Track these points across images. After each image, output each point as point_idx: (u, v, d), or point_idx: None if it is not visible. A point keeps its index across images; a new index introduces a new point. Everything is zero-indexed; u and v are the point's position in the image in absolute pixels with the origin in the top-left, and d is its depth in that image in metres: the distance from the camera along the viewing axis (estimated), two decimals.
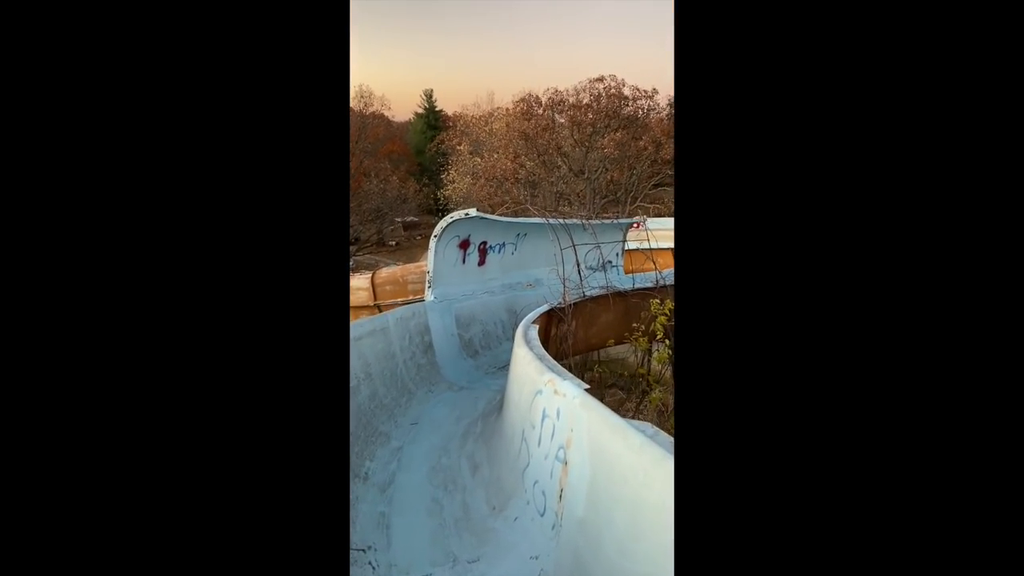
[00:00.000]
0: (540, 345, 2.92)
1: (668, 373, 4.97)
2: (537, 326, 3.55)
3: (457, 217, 4.88)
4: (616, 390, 6.89)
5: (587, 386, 2.19)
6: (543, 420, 2.27)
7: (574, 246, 4.81)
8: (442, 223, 4.91)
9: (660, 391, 4.67)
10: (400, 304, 6.02)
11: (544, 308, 4.25)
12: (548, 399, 2.25)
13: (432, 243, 4.94)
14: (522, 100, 20.94)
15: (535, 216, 6.36)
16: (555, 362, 2.56)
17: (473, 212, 4.88)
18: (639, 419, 4.91)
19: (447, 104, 47.63)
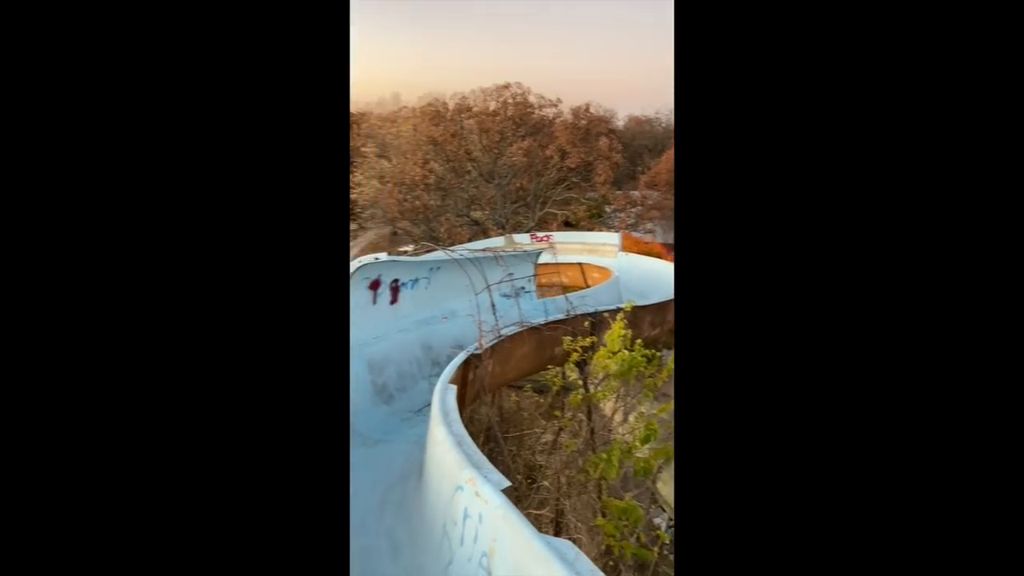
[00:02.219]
0: (459, 421, 2.87)
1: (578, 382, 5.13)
2: (455, 387, 3.49)
3: (366, 262, 4.67)
4: (532, 392, 7.04)
5: (508, 484, 2.19)
6: (465, 519, 2.24)
7: (488, 288, 4.81)
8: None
9: (576, 395, 4.83)
10: None
11: (462, 357, 4.20)
12: (469, 499, 2.22)
13: None
14: (429, 104, 20.56)
15: (444, 253, 6.27)
16: (476, 448, 2.54)
17: (383, 256, 4.70)
18: (566, 418, 4.98)
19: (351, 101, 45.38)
